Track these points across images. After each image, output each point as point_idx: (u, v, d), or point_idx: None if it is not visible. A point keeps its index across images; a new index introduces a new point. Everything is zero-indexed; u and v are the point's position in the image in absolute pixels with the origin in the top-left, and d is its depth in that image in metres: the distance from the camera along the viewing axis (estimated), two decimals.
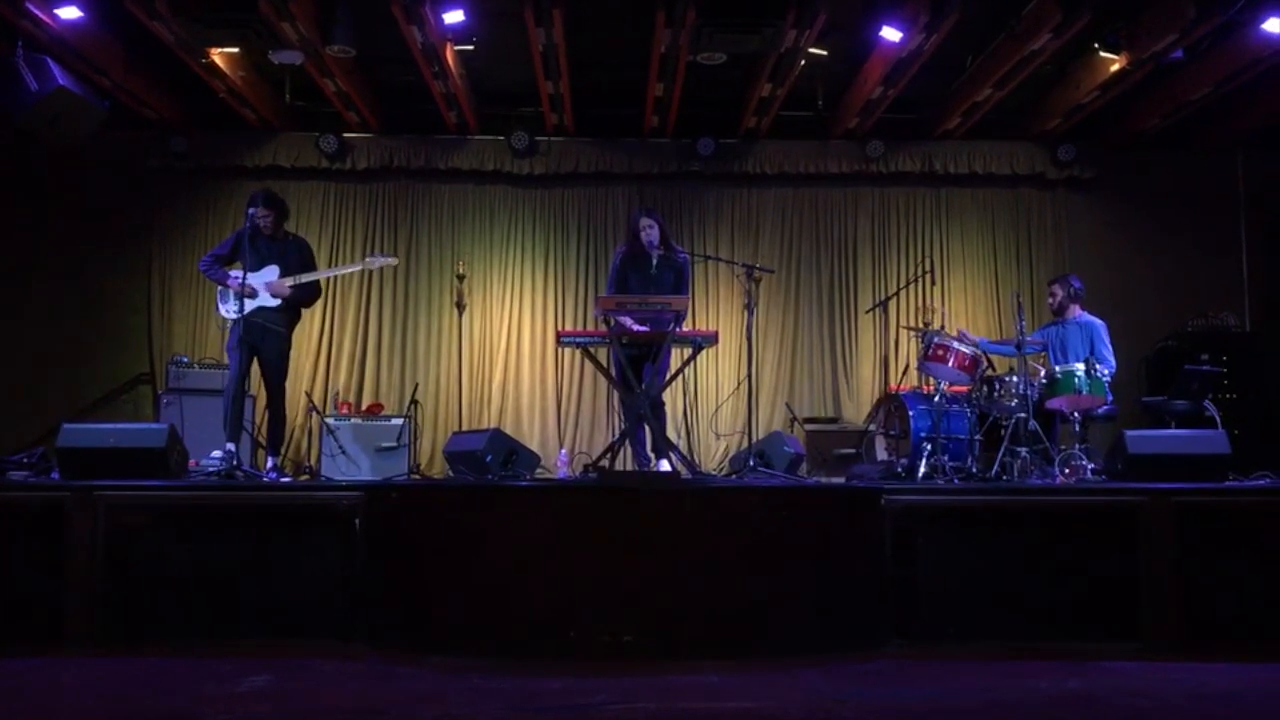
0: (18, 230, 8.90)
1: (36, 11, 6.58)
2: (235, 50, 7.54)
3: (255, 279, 6.23)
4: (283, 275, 6.29)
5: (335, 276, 8.80)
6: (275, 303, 6.29)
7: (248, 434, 7.05)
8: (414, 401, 8.27)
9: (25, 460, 5.78)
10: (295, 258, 6.42)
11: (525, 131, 9.06)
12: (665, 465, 5.96)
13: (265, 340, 6.28)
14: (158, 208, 9.11)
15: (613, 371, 6.25)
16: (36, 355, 8.79)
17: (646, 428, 6.20)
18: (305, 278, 6.38)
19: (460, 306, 8.42)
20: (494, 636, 4.18)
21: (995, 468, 6.14)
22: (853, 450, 7.98)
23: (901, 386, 7.79)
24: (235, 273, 6.23)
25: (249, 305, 6.19)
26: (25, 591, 4.32)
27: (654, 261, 6.35)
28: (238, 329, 6.16)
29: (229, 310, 6.23)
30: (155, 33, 7.07)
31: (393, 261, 7.11)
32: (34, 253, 8.94)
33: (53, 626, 4.30)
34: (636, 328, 6.12)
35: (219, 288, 6.36)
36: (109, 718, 3.34)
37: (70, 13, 6.71)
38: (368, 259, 6.95)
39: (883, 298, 8.75)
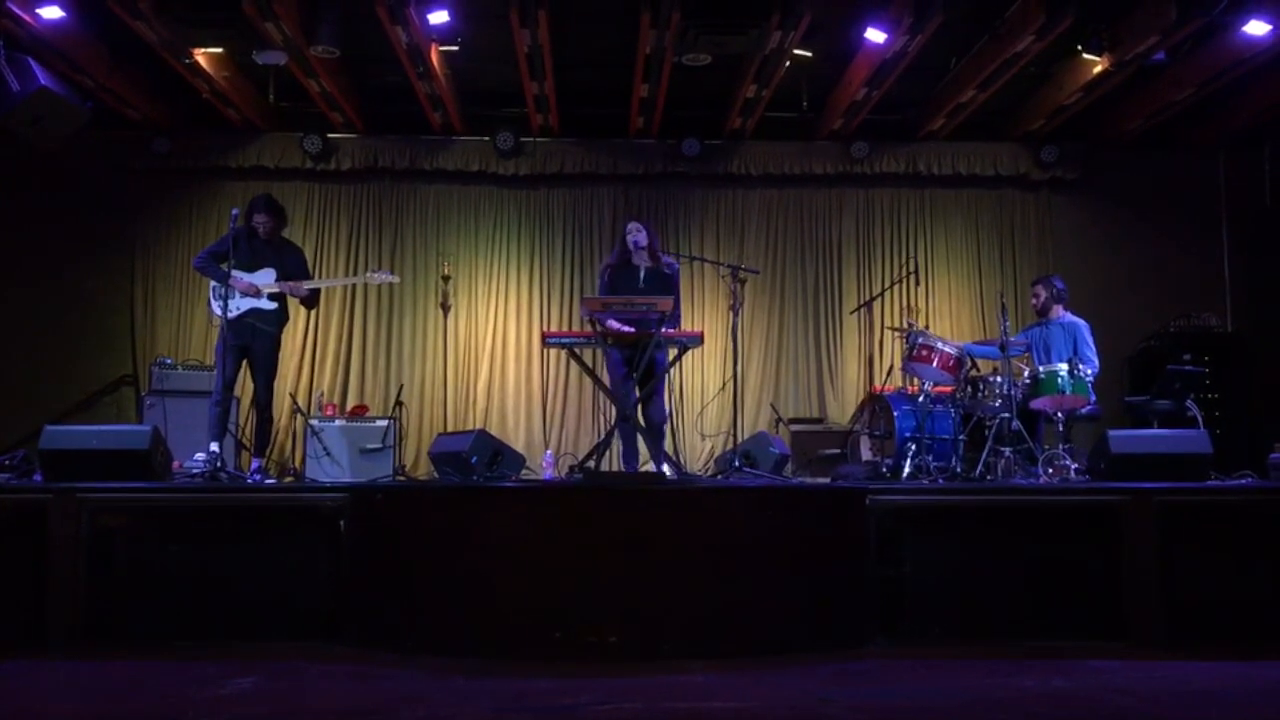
0: None
1: (18, 11, 6.53)
2: (219, 50, 7.51)
3: (251, 280, 6.22)
4: (280, 279, 6.30)
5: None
6: (271, 305, 6.28)
7: (231, 436, 7.02)
8: (399, 403, 8.25)
9: (7, 462, 5.73)
10: (293, 262, 6.44)
11: (510, 132, 9.05)
12: (667, 470, 5.83)
13: (256, 340, 6.27)
14: (141, 209, 9.07)
15: (604, 374, 6.21)
16: (18, 357, 8.73)
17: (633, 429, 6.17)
18: (308, 284, 6.43)
19: (445, 307, 8.41)
20: (479, 637, 4.17)
21: (979, 468, 6.16)
22: (838, 451, 8.00)
23: (886, 387, 7.82)
24: (233, 273, 6.20)
25: (243, 305, 6.18)
26: (7, 594, 4.28)
27: (642, 274, 6.31)
28: (227, 331, 6.12)
29: (220, 308, 6.20)
30: (138, 33, 7.04)
31: (394, 279, 7.07)
32: (15, 254, 8.88)
33: (35, 629, 4.25)
34: (623, 328, 6.11)
35: (212, 284, 6.29)
36: None
37: (52, 12, 6.68)
38: (368, 274, 6.92)
39: (867, 298, 8.78)
